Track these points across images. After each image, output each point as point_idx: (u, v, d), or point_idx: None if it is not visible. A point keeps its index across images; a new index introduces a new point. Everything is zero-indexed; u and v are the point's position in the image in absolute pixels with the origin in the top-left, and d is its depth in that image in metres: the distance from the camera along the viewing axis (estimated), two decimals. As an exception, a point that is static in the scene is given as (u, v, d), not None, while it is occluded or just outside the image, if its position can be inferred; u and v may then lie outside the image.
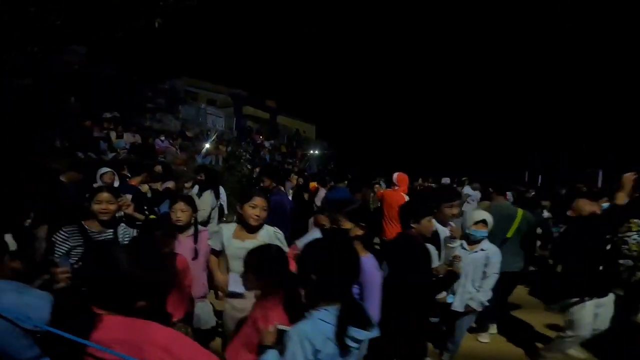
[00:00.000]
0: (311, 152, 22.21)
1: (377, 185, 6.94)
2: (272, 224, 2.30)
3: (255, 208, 2.07)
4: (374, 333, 1.15)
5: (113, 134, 9.02)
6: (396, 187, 4.22)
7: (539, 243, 4.05)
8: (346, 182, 4.57)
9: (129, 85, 12.74)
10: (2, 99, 5.83)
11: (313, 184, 5.76)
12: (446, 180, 9.04)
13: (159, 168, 4.84)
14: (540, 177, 15.76)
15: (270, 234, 2.18)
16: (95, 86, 11.05)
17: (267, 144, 17.67)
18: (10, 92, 6.23)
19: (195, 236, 2.45)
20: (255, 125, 19.91)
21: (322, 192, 4.81)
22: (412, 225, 1.95)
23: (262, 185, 3.99)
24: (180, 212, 2.36)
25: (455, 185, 8.06)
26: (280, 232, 2.18)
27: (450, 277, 2.15)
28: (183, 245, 2.36)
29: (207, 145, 11.56)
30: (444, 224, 2.50)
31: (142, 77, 13.91)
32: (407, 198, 3.97)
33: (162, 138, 9.85)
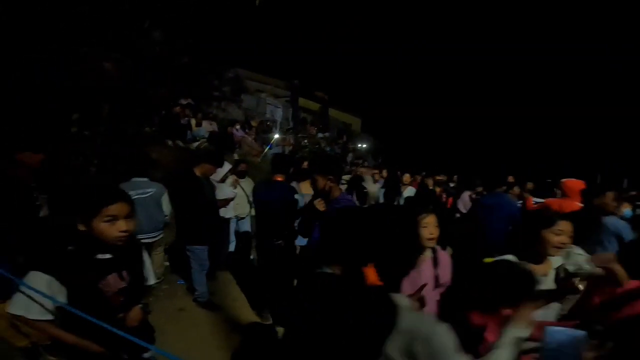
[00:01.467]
0: (359, 145, 21.74)
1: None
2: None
3: (560, 235, 1.53)
4: None
5: (192, 122, 8.75)
6: (564, 197, 3.51)
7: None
8: (505, 186, 3.91)
9: (199, 72, 12.53)
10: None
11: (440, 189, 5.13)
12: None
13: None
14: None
15: (574, 258, 1.59)
16: (169, 72, 10.88)
17: (320, 135, 17.19)
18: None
19: (436, 259, 1.89)
20: (308, 116, 19.50)
21: (466, 196, 4.18)
22: None
23: (314, 185, 2.78)
24: (434, 228, 1.81)
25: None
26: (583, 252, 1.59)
27: None
28: (424, 271, 1.82)
29: (277, 136, 11.16)
30: None
31: (209, 64, 13.67)
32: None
33: (237, 127, 9.50)
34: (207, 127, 8.97)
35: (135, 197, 3.40)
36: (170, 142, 7.15)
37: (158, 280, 3.99)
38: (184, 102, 9.88)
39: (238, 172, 4.36)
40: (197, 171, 3.48)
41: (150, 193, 3.57)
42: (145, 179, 3.62)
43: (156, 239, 3.76)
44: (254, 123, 12.76)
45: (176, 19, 6.75)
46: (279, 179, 3.59)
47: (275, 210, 3.35)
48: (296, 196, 3.71)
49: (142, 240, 3.54)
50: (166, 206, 3.62)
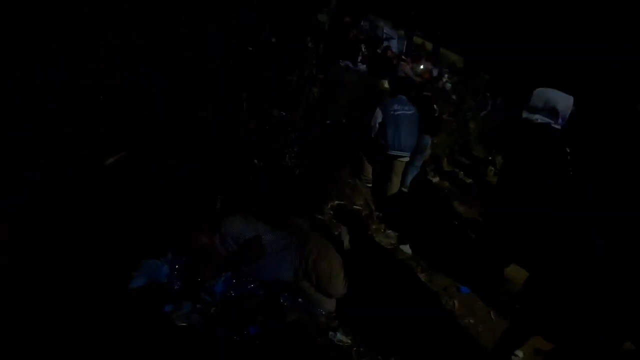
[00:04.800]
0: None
1: None
2: None
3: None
4: None
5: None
6: None
7: None
8: None
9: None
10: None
11: None
12: None
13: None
14: None
15: None
16: None
17: (435, 72, 14.69)
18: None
19: None
20: (421, 51, 16.90)
21: None
22: None
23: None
24: None
25: None
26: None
27: None
28: None
29: (422, 67, 9.15)
30: None
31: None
32: None
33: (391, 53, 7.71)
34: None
35: (401, 112, 3.51)
36: (342, 63, 5.65)
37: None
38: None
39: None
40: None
41: (412, 111, 3.61)
42: (405, 98, 3.64)
43: (404, 160, 3.77)
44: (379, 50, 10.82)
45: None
46: None
47: None
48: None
49: (399, 159, 3.72)
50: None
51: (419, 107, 4.00)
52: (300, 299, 2.13)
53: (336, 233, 3.18)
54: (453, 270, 3.04)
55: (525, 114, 2.51)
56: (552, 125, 2.39)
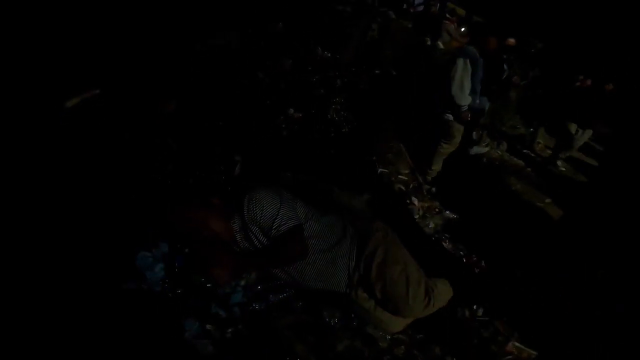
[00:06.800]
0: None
1: None
2: None
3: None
4: None
5: None
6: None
7: None
8: None
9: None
10: None
11: None
12: None
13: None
14: None
15: None
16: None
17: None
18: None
19: None
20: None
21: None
22: None
23: None
24: None
25: None
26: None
27: None
28: None
29: (463, 29, 7.88)
30: None
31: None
32: None
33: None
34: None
35: (448, 64, 2.80)
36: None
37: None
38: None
39: None
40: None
41: (460, 67, 2.67)
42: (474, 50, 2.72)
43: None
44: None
45: None
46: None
47: None
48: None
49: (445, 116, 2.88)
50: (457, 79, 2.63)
51: (487, 63, 3.08)
52: (352, 315, 1.36)
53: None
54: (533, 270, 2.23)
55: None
56: None
